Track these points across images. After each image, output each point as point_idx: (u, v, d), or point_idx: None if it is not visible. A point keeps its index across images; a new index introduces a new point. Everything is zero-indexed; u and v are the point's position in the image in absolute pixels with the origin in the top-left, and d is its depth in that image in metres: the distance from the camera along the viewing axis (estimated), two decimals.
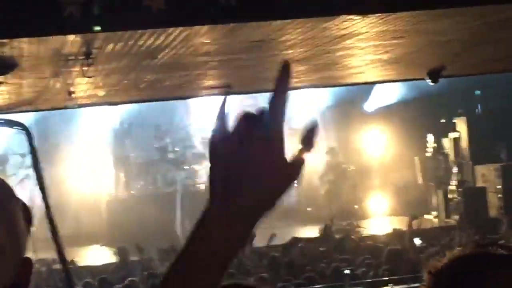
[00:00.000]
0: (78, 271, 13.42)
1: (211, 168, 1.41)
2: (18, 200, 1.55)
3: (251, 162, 1.37)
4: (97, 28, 7.12)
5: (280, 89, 1.38)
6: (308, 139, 1.40)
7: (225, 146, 1.39)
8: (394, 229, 17.33)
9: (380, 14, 8.57)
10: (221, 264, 1.39)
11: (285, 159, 1.38)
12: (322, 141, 22.95)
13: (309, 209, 22.24)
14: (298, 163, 1.39)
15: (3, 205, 1.49)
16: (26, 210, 1.57)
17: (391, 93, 22.43)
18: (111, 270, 14.62)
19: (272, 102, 1.38)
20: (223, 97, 1.46)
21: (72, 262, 13.08)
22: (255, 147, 1.37)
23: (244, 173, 1.37)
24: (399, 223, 18.69)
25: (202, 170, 22.55)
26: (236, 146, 1.38)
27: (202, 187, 22.06)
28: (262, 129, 1.38)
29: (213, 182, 1.40)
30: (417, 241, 15.92)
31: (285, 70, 1.39)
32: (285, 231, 16.78)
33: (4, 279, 1.43)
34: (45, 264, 13.70)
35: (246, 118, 1.39)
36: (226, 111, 1.41)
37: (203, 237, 1.39)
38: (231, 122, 1.40)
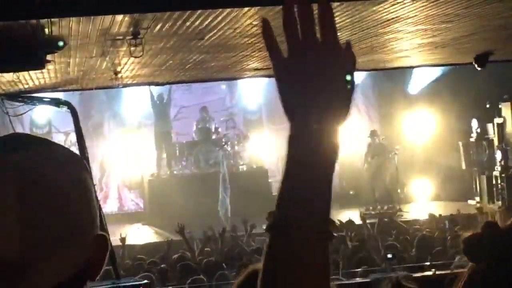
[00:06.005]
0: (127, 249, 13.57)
1: (281, 86, 1.48)
2: (90, 173, 1.47)
3: (318, 69, 1.46)
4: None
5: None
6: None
7: (290, 60, 1.48)
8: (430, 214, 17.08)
9: None
10: (325, 177, 1.44)
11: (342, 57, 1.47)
12: (365, 124, 22.85)
13: (351, 192, 22.17)
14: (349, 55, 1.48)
15: (78, 179, 1.41)
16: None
17: (434, 74, 22.13)
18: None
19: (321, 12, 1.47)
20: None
21: (123, 240, 13.13)
22: (318, 55, 1.47)
23: (315, 82, 1.45)
24: (441, 209, 18.57)
25: (244, 152, 22.51)
26: (300, 58, 1.47)
27: (244, 168, 22.06)
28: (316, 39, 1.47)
29: (285, 100, 1.47)
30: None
31: None
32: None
33: (81, 258, 1.37)
34: None
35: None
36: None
37: (298, 159, 1.44)
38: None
